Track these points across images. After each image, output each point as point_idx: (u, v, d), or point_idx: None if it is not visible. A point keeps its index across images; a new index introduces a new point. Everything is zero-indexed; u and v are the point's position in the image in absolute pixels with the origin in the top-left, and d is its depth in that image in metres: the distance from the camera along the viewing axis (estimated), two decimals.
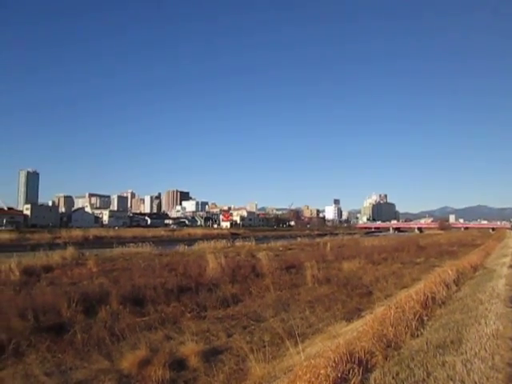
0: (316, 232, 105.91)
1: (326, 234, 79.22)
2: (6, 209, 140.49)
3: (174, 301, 12.06)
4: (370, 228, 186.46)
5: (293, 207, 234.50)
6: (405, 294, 11.24)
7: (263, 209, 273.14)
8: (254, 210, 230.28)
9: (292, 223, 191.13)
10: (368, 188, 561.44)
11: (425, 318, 7.36)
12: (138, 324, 9.64)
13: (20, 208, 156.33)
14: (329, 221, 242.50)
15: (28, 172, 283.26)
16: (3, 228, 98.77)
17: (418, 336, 6.25)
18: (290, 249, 36.84)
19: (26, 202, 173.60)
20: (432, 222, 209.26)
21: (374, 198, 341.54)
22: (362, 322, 8.83)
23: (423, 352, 5.25)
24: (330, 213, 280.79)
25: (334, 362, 4.77)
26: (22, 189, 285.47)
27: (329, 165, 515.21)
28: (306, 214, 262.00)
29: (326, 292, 14.26)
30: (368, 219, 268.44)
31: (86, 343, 8.11)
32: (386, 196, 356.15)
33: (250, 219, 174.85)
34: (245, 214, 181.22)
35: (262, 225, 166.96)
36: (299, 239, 51.05)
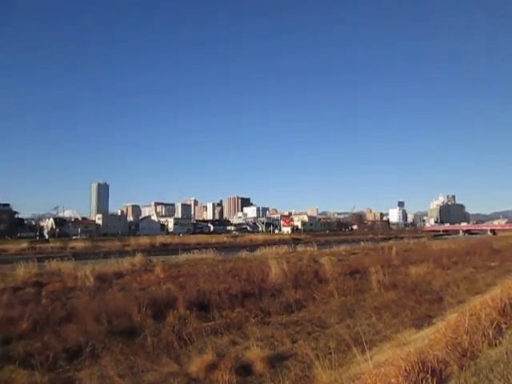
0: (380, 236, 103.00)
1: (390, 238, 76.73)
2: (80, 219, 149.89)
3: (238, 306, 12.21)
4: (438, 231, 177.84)
5: (355, 211, 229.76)
6: (479, 300, 10.61)
7: (324, 213, 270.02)
8: (314, 214, 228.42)
9: (354, 227, 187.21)
10: (434, 189, 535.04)
11: (503, 326, 6.88)
12: (204, 329, 9.85)
13: (92, 218, 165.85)
14: (393, 224, 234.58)
15: (99, 184, 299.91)
16: (78, 237, 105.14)
17: (496, 345, 5.85)
18: (353, 253, 36.05)
19: (98, 212, 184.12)
20: (507, 223, 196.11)
21: (441, 200, 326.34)
22: (433, 329, 8.44)
23: (503, 363, 4.91)
24: (394, 216, 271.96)
25: (406, 370, 4.58)
26: (94, 199, 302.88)
27: (392, 166, 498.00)
28: (369, 217, 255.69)
29: (393, 298, 13.78)
30: (435, 222, 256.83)
31: (155, 347, 8.40)
32: (454, 197, 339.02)
33: (311, 224, 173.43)
34: (306, 218, 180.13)
35: (324, 229, 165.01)
36: (362, 243, 49.78)
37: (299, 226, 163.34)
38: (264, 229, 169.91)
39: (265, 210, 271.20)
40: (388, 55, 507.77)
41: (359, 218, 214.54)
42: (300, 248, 41.30)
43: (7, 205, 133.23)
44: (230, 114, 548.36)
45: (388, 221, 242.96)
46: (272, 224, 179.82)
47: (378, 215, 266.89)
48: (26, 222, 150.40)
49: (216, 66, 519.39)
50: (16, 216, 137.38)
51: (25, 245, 62.92)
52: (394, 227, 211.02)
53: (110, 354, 8.15)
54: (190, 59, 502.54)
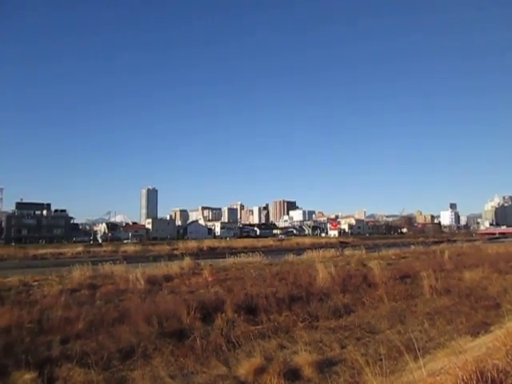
0: (431, 239, 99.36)
1: (442, 241, 73.85)
2: (131, 223, 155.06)
3: (285, 310, 12.18)
4: (494, 234, 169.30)
5: (404, 213, 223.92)
6: None
7: (372, 216, 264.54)
8: (362, 217, 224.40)
9: (404, 230, 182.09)
10: (489, 189, 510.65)
11: None
12: (252, 332, 9.89)
13: (142, 222, 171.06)
14: (445, 227, 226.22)
15: (148, 189, 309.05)
16: (129, 241, 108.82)
17: None
18: (403, 257, 35.02)
19: (147, 217, 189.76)
20: None
21: (496, 201, 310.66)
22: (490, 337, 8.04)
23: None
24: (446, 218, 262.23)
25: (463, 380, 4.38)
26: (144, 205, 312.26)
27: (443, 166, 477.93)
28: (419, 220, 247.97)
29: (447, 304, 13.28)
30: (491, 224, 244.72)
31: (204, 349, 8.53)
32: (510, 198, 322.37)
33: (359, 227, 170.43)
34: (353, 221, 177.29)
35: (372, 233, 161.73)
36: (413, 247, 48.24)
37: (346, 229, 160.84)
38: (310, 232, 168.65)
39: (311, 213, 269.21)
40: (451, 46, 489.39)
41: (409, 220, 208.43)
42: (347, 251, 40.59)
43: (64, 211, 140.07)
44: (276, 120, 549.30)
45: (439, 223, 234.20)
46: (318, 227, 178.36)
47: (429, 218, 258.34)
48: (80, 226, 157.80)
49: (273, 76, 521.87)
50: (72, 221, 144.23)
51: (80, 248, 65.83)
52: (445, 230, 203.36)
53: (161, 355, 8.36)
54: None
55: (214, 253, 56.41)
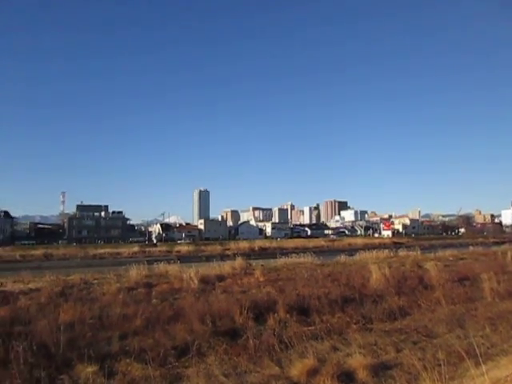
0: (491, 240, 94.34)
1: (504, 242, 69.82)
2: (184, 224, 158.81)
3: (338, 311, 12.01)
4: None
5: (461, 213, 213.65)
6: None
7: (427, 215, 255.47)
8: (417, 217, 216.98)
9: (461, 230, 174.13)
10: None
11: None
12: (304, 333, 9.83)
13: (195, 223, 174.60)
14: (507, 227, 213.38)
15: (200, 190, 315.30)
16: (183, 241, 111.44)
17: None
18: (461, 258, 33.50)
19: (200, 218, 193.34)
20: None
21: None
22: None
23: None
24: (507, 217, 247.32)
25: None
26: (196, 206, 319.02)
27: (504, 164, 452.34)
28: (478, 219, 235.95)
29: (510, 308, 12.57)
30: None
31: (257, 349, 8.57)
32: None
33: (414, 227, 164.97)
34: (407, 221, 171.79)
35: (427, 233, 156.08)
36: (471, 248, 46.01)
37: (400, 230, 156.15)
38: (363, 232, 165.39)
39: (363, 213, 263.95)
40: None
41: (467, 220, 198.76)
42: (402, 252, 39.37)
43: (120, 212, 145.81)
44: (326, 119, 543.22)
45: (500, 223, 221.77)
46: (371, 227, 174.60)
47: (489, 217, 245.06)
48: (136, 227, 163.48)
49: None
50: (128, 222, 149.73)
51: (136, 248, 68.21)
52: (507, 230, 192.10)
53: (215, 353, 8.49)
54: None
55: (265, 253, 56.59)
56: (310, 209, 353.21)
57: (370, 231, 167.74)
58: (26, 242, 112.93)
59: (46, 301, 14.20)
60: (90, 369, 7.37)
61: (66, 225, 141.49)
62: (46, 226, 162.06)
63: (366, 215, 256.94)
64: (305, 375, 7.09)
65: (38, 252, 61.69)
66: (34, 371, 7.31)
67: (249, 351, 8.47)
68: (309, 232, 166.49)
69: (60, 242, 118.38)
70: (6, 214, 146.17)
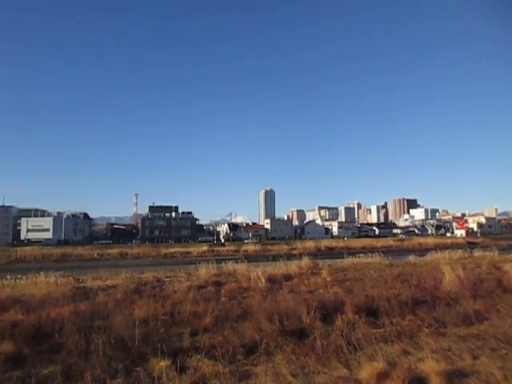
0: None
1: None
2: (250, 224, 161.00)
3: (408, 314, 11.61)
4: None
5: None
6: None
7: (506, 213, 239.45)
8: (493, 215, 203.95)
9: None
10: None
11: None
12: (373, 335, 9.60)
13: (261, 223, 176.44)
14: None
15: (266, 190, 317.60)
16: (249, 241, 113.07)
17: None
18: None
19: (266, 217, 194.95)
20: None
21: None
22: None
23: None
24: None
25: None
26: (262, 205, 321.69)
27: None
28: None
29: None
30: None
31: (325, 349, 8.49)
32: None
33: (490, 226, 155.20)
34: (483, 220, 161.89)
35: (505, 232, 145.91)
36: None
37: (475, 229, 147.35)
38: (434, 232, 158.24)
39: (434, 211, 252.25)
40: None
41: None
42: (477, 253, 37.17)
43: (190, 213, 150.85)
44: (392, 116, 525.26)
45: None
46: (443, 226, 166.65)
47: None
48: (205, 227, 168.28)
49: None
50: (197, 222, 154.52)
51: (205, 248, 70.17)
52: None
53: (282, 352, 8.53)
54: None
55: (331, 253, 55.92)
56: (378, 207, 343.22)
57: (442, 230, 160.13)
58: (103, 242, 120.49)
59: (121, 297, 15.01)
60: (163, 363, 7.69)
61: (139, 225, 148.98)
62: (121, 227, 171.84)
63: (437, 214, 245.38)
64: (374, 378, 6.93)
65: (114, 251, 65.42)
66: (112, 363, 7.77)
67: (316, 351, 8.41)
68: (376, 231, 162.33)
69: (134, 241, 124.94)
70: (86, 215, 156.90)
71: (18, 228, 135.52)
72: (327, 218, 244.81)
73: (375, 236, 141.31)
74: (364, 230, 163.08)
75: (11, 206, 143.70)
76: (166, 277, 23.02)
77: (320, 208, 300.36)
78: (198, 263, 25.37)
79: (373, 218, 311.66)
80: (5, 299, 14.54)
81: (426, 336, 9.68)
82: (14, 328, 10.08)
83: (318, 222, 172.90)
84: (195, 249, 68.78)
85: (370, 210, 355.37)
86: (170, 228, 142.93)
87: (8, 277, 20.68)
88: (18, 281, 19.96)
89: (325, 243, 75.59)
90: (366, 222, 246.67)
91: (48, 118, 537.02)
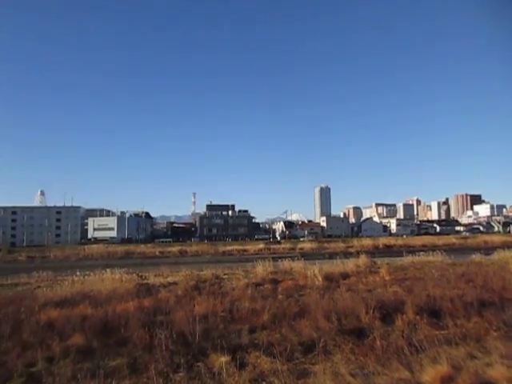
0: None
1: None
2: (306, 221, 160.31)
3: (474, 315, 11.07)
4: None
5: None
6: None
7: None
8: None
9: None
10: None
11: None
12: (436, 337, 9.27)
13: (317, 220, 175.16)
14: None
15: (321, 188, 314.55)
16: (305, 238, 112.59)
17: None
18: None
19: (322, 215, 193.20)
20: None
21: None
22: None
23: None
24: None
25: None
26: (317, 203, 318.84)
27: None
28: None
29: None
30: None
31: (385, 350, 8.31)
32: None
33: None
34: None
35: None
36: None
37: None
38: (501, 229, 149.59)
39: (500, 207, 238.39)
40: None
41: None
42: None
43: (246, 211, 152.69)
44: (455, 110, 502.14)
45: None
46: (511, 223, 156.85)
47: None
48: (261, 225, 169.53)
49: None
50: (253, 220, 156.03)
51: (261, 246, 70.69)
52: None
53: (341, 352, 8.44)
54: None
55: (390, 251, 54.41)
56: (439, 204, 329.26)
57: (510, 228, 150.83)
58: (164, 240, 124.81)
59: (182, 293, 15.51)
60: (223, 359, 7.87)
61: (197, 223, 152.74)
62: (181, 225, 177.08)
63: (505, 210, 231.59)
64: (438, 382, 6.70)
65: (174, 249, 67.52)
66: (175, 357, 8.05)
67: (376, 352, 8.25)
68: (437, 229, 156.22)
69: (192, 239, 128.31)
70: (147, 214, 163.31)
71: (86, 227, 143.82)
72: (385, 215, 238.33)
73: (436, 234, 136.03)
74: (424, 228, 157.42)
75: (79, 207, 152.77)
76: (224, 274, 23.48)
77: (377, 205, 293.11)
78: (255, 261, 25.63)
79: (433, 215, 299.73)
80: (75, 294, 15.48)
81: (495, 340, 9.19)
82: (84, 322, 10.72)
83: (376, 219, 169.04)
84: (252, 247, 69.40)
85: (430, 207, 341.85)
86: (227, 226, 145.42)
87: (78, 273, 21.98)
88: (86, 277, 21.12)
89: (383, 241, 73.66)
90: (425, 219, 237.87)
91: (117, 130, 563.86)
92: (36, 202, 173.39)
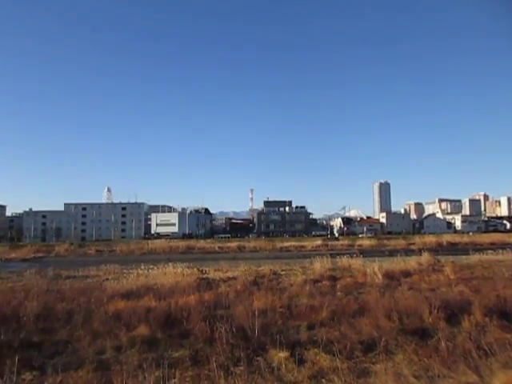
0: None
1: None
2: (365, 218, 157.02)
3: None
4: None
5: None
6: None
7: None
8: None
9: None
10: None
11: None
12: (507, 340, 8.75)
13: (376, 217, 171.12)
14: None
15: (380, 183, 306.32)
16: (364, 235, 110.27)
17: None
18: None
19: (381, 211, 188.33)
20: None
21: None
22: None
23: None
24: None
25: None
26: (376, 199, 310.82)
27: None
28: None
29: None
30: None
31: (451, 352, 7.97)
32: None
33: None
34: None
35: None
36: None
37: None
38: None
39: None
40: None
41: None
42: None
43: (303, 207, 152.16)
44: None
45: None
46: None
47: None
48: (318, 221, 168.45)
49: None
50: (310, 217, 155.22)
51: (319, 242, 70.12)
52: None
53: (403, 352, 8.20)
54: None
55: (454, 249, 51.98)
56: (509, 199, 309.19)
57: None
58: (223, 236, 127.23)
59: (241, 288, 15.74)
60: (282, 354, 7.90)
61: (255, 219, 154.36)
62: (239, 221, 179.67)
63: None
64: None
65: (233, 244, 68.70)
66: (235, 351, 8.19)
67: (441, 354, 7.93)
68: (508, 225, 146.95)
69: (250, 235, 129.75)
70: (207, 210, 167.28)
71: (149, 223, 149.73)
72: (449, 211, 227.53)
73: (506, 231, 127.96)
74: (492, 225, 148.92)
75: (143, 203, 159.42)
76: (282, 270, 23.55)
77: (441, 200, 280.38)
78: (313, 257, 25.47)
79: (503, 211, 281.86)
80: (140, 287, 16.19)
81: None
82: (148, 313, 11.18)
83: (439, 215, 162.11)
84: (309, 243, 69.08)
85: (499, 202, 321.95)
86: (284, 222, 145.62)
87: (142, 267, 22.94)
88: (150, 271, 22.01)
89: (447, 238, 70.54)
90: (494, 215, 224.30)
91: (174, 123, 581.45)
92: (103, 198, 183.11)
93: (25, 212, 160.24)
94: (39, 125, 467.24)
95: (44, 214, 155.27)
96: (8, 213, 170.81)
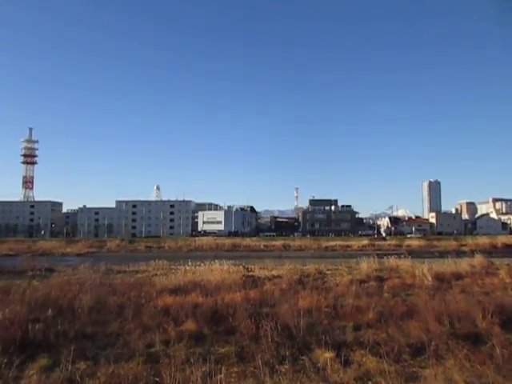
0: None
1: None
2: (413, 217, 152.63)
3: None
4: None
5: None
6: None
7: None
8: None
9: None
10: None
11: None
12: None
13: (425, 216, 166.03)
14: None
15: (430, 182, 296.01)
16: (412, 235, 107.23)
17: None
18: None
19: (430, 211, 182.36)
20: None
21: None
22: None
23: None
24: None
25: None
26: (426, 198, 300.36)
27: None
28: None
29: None
30: None
31: (506, 360, 7.63)
32: None
33: None
34: None
35: None
36: None
37: None
38: None
39: None
40: None
41: None
42: None
43: (349, 206, 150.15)
44: None
45: None
46: None
47: None
48: (364, 221, 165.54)
49: None
50: (357, 216, 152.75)
51: (365, 242, 68.83)
52: None
53: (454, 357, 7.92)
54: None
55: (510, 251, 49.50)
56: None
57: None
58: (268, 234, 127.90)
59: (286, 287, 15.73)
60: (328, 354, 7.84)
61: (300, 218, 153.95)
62: (284, 220, 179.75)
63: None
64: None
65: (278, 243, 68.72)
66: (280, 349, 8.22)
67: (496, 361, 7.59)
68: None
69: (295, 233, 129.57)
70: (252, 209, 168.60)
71: (196, 220, 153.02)
72: (504, 211, 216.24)
73: None
74: None
75: (190, 201, 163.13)
76: (328, 269, 23.35)
77: (495, 200, 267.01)
78: (359, 257, 25.07)
79: None
80: (187, 283, 16.54)
81: None
82: (196, 309, 11.43)
83: (493, 215, 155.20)
84: (355, 242, 67.98)
85: None
86: (329, 221, 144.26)
87: (189, 263, 23.42)
88: (197, 267, 22.42)
89: (502, 240, 67.13)
90: None
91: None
92: (153, 196, 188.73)
93: (79, 209, 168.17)
94: (97, 129, 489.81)
95: (97, 211, 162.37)
96: (64, 209, 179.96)
